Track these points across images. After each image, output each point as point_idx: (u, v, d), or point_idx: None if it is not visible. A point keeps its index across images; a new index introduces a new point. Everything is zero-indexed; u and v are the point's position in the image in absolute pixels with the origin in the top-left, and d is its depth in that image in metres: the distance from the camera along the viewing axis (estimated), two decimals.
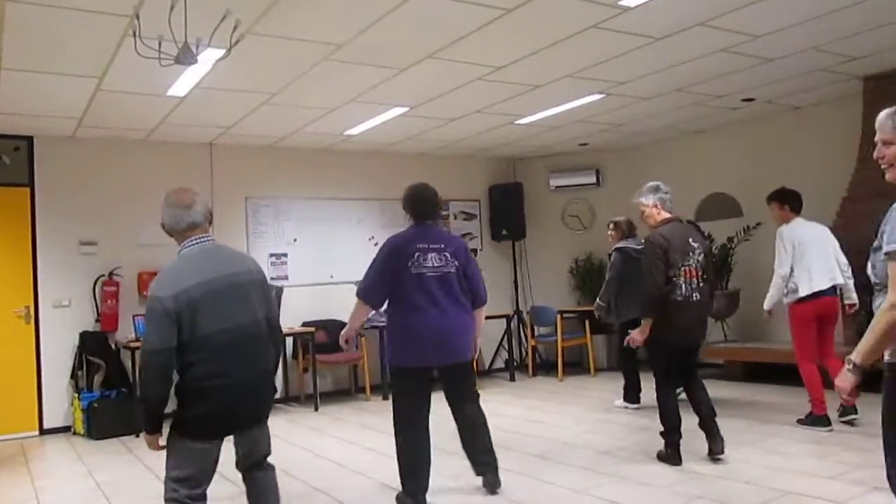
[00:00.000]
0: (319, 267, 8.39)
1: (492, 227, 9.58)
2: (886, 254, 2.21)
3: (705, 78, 6.27)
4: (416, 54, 5.21)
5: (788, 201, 5.58)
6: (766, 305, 5.59)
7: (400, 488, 4.08)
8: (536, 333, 9.08)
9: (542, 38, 5.04)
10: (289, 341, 7.92)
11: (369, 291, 4.09)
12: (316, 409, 7.42)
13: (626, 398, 6.72)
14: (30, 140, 7.08)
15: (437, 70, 5.55)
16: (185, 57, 3.61)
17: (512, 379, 8.74)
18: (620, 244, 6.66)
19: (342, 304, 8.35)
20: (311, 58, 5.14)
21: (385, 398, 7.79)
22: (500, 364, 9.34)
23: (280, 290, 7.56)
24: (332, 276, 8.44)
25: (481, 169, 9.65)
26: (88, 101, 5.97)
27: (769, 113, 7.69)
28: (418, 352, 4.02)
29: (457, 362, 4.14)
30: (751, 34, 5.16)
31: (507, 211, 9.38)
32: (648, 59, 5.58)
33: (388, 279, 4.04)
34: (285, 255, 8.18)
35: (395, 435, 4.11)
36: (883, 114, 2.32)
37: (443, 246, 4.15)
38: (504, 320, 8.93)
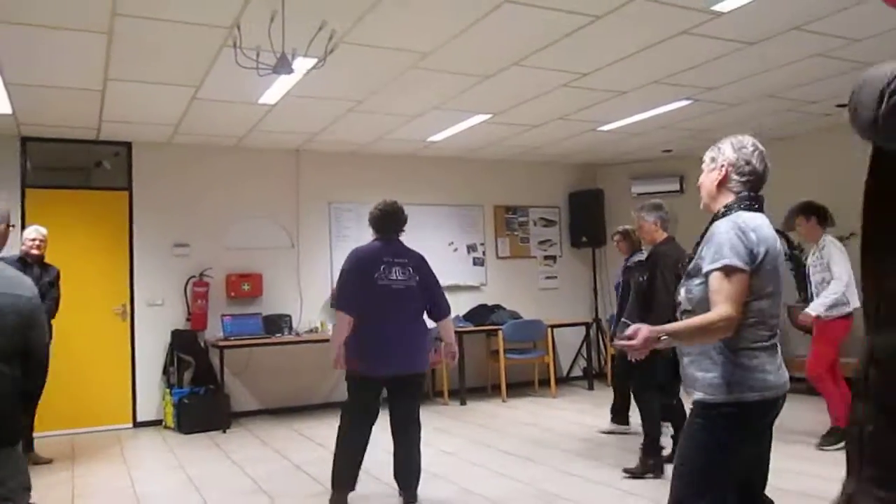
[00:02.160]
0: None
1: (571, 233, 9.52)
2: (706, 273, 2.26)
3: (798, 83, 6.08)
4: (502, 62, 5.23)
5: (818, 214, 5.52)
6: (818, 311, 5.42)
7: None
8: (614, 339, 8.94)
9: (630, 45, 4.99)
10: None
11: (349, 302, 4.15)
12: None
13: (618, 420, 6.23)
14: (128, 146, 7.43)
15: (521, 77, 5.56)
16: (282, 67, 3.74)
17: (590, 388, 8.64)
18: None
19: None
20: (398, 66, 5.23)
21: (463, 403, 7.84)
22: (577, 372, 9.25)
23: None
24: None
25: (561, 175, 9.60)
26: (184, 109, 6.23)
27: None
28: (379, 361, 4.11)
29: (413, 373, 4.26)
30: (849, 38, 4.99)
31: (587, 218, 9.31)
32: (740, 64, 5.45)
33: (358, 288, 4.15)
34: None
35: (336, 441, 4.23)
36: None
37: (406, 260, 4.30)
38: (583, 328, 8.85)
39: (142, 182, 7.42)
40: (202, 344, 7.46)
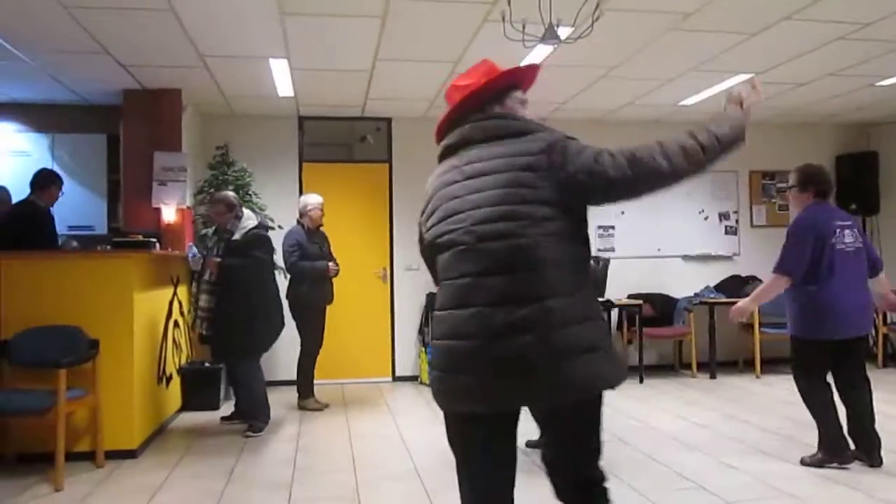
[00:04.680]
0: (647, 240, 8.34)
1: (839, 200, 8.66)
2: None
3: None
4: (771, 17, 4.89)
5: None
6: None
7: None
8: (889, 321, 8.11)
9: None
10: (614, 313, 8.01)
11: (794, 266, 4.22)
12: (641, 381, 7.44)
13: None
14: (388, 121, 7.98)
15: (791, 32, 5.16)
16: (550, 37, 3.80)
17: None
18: None
19: (670, 278, 8.29)
20: (658, 28, 5.09)
21: (713, 377, 7.56)
22: None
23: (607, 262, 7.65)
24: (659, 250, 8.35)
25: (827, 137, 8.79)
26: (442, 83, 6.55)
27: None
28: (833, 326, 4.19)
29: (858, 336, 4.32)
30: None
31: (858, 183, 8.44)
32: None
33: (809, 255, 4.19)
34: (612, 227, 8.26)
35: (807, 403, 4.35)
36: None
37: (851, 223, 4.38)
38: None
39: (400, 155, 7.95)
40: None
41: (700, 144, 2.00)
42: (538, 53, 5.43)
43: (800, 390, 4.38)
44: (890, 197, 8.48)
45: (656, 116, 8.10)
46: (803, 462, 4.38)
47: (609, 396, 2.02)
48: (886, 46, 5.59)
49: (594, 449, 2.07)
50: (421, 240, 2.24)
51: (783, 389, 6.92)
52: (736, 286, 8.00)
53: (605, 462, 2.10)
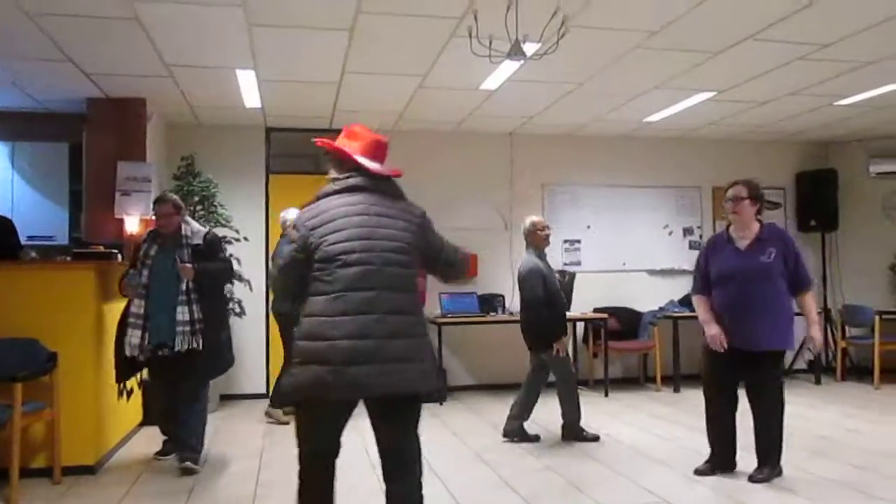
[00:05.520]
0: (612, 254, 8.43)
1: (798, 216, 8.88)
2: None
3: None
4: (735, 36, 5.00)
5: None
6: None
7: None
8: (848, 334, 8.29)
9: (881, 11, 4.55)
10: (579, 326, 8.07)
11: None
12: (606, 395, 7.49)
13: None
14: None
15: (754, 52, 5.28)
16: (516, 53, 3.83)
17: (817, 382, 8.06)
18: None
19: (635, 292, 8.37)
20: (624, 46, 5.17)
21: (676, 391, 7.64)
22: (801, 365, 8.66)
23: (573, 276, 7.72)
24: (624, 264, 8.44)
25: (788, 154, 8.98)
26: (409, 97, 6.57)
27: None
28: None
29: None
30: None
31: (818, 200, 8.63)
32: None
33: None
34: (579, 241, 8.33)
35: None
36: None
37: None
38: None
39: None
40: None
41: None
42: (505, 69, 5.48)
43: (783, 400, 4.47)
44: (848, 213, 8.68)
45: (623, 132, 8.20)
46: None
47: None
48: (842, 67, 5.73)
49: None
50: (308, 247, 2.65)
51: (745, 402, 7.01)
52: None
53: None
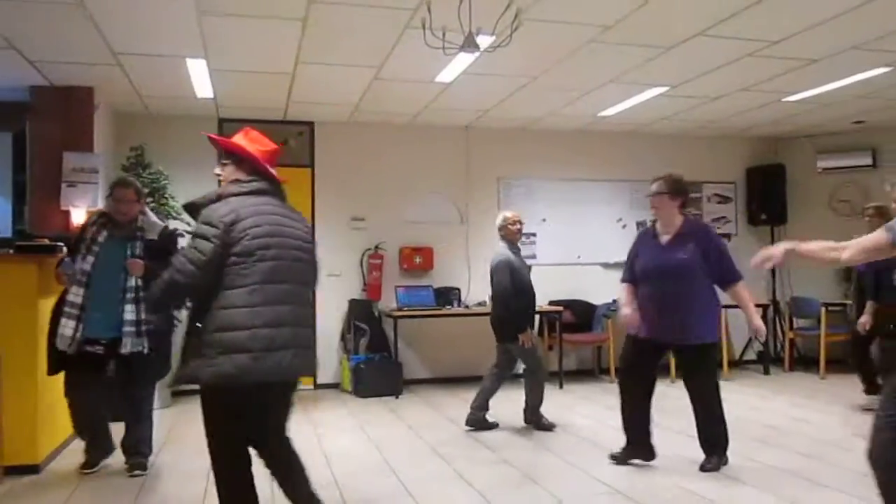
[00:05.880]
0: (567, 247, 8.50)
1: (748, 211, 9.07)
2: None
3: None
4: (687, 32, 5.06)
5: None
6: None
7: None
8: (795, 326, 8.50)
9: (828, 9, 4.66)
10: (535, 319, 8.10)
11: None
12: (561, 387, 7.55)
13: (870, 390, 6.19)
14: (311, 125, 7.88)
15: (706, 47, 5.35)
16: (469, 45, 3.82)
17: (766, 372, 8.25)
18: None
19: (589, 285, 8.44)
20: (579, 40, 5.19)
21: None
22: (751, 356, 8.86)
23: (528, 269, 7.74)
24: (579, 257, 8.52)
25: (739, 149, 9.15)
26: (365, 89, 6.52)
27: None
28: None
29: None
30: None
31: (767, 194, 8.83)
32: None
33: None
34: (534, 234, 8.37)
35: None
36: None
37: None
38: (759, 310, 8.42)
39: (323, 159, 7.86)
40: (376, 313, 7.83)
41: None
42: (460, 62, 5.46)
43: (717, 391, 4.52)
44: (796, 207, 8.88)
45: (578, 126, 8.26)
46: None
47: None
48: (790, 64, 5.85)
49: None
50: (230, 242, 2.84)
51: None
52: None
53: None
